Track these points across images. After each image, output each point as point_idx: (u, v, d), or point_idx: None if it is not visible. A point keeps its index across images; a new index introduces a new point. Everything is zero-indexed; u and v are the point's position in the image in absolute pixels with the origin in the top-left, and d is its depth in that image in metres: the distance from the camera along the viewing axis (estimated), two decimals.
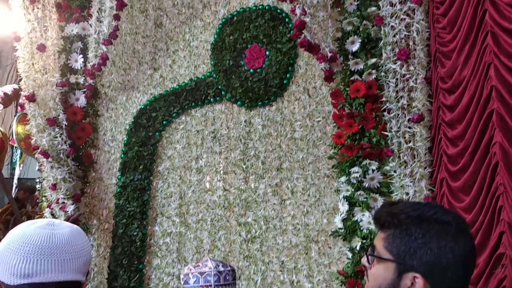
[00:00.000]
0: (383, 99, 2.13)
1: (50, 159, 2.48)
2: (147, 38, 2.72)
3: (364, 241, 2.02)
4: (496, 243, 1.64)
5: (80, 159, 2.60)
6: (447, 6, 1.96)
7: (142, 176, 2.58)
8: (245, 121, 2.50)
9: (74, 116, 2.62)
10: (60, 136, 2.49)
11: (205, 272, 1.34)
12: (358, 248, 2.03)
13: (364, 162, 2.10)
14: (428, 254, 0.86)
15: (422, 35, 2.04)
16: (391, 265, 0.89)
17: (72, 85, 2.65)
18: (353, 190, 2.10)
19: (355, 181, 2.10)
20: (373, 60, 2.16)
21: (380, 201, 2.04)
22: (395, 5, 2.03)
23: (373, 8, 2.16)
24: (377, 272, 0.92)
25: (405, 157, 2.05)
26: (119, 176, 2.62)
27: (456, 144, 1.93)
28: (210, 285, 1.33)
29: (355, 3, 2.19)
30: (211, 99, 2.57)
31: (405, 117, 2.08)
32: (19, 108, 3.17)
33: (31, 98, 2.47)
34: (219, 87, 2.54)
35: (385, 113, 2.11)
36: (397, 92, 2.10)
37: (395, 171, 2.07)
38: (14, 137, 3.02)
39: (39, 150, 2.50)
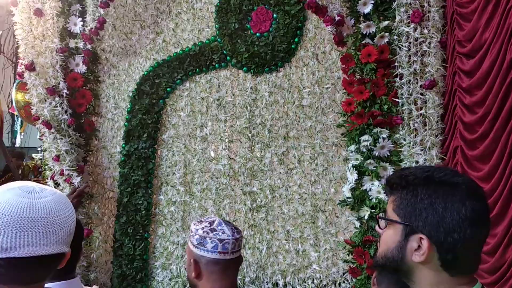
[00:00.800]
0: (395, 64, 2.10)
1: (52, 130, 2.50)
2: (148, 0, 2.68)
3: (372, 210, 2.05)
4: None
5: (81, 127, 2.62)
6: None
7: (146, 144, 2.60)
8: (251, 88, 2.49)
9: (74, 82, 2.62)
10: (60, 106, 2.50)
11: (224, 240, 1.37)
12: (366, 217, 2.07)
13: (374, 130, 2.10)
14: (433, 214, 0.86)
15: None
16: (399, 227, 0.90)
17: (72, 49, 2.63)
18: (362, 159, 2.11)
19: (364, 150, 2.11)
20: (386, 22, 2.12)
21: (390, 170, 2.06)
22: None
23: None
24: (387, 236, 0.93)
25: (416, 125, 2.04)
26: (123, 145, 2.64)
27: (474, 111, 1.91)
28: (227, 252, 1.37)
29: None
30: (216, 65, 2.55)
31: (417, 83, 2.06)
32: (17, 76, 3.17)
33: (30, 67, 2.47)
34: (224, 52, 2.52)
35: (397, 79, 2.09)
36: (409, 57, 2.08)
37: (404, 139, 2.07)
38: (14, 105, 3.03)
39: (40, 121, 2.52)
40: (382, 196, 2.04)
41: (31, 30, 2.50)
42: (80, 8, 2.64)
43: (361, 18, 2.18)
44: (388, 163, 2.09)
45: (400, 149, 2.09)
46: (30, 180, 3.48)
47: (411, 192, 0.89)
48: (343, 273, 2.27)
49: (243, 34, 2.47)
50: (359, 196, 2.11)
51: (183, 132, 2.61)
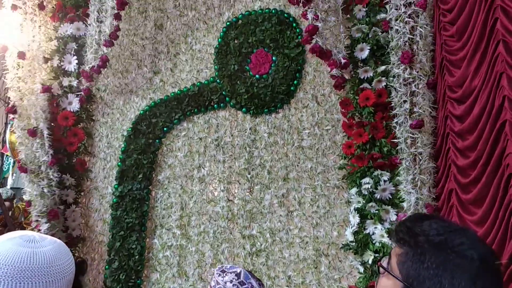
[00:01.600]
0: (392, 105, 2.20)
1: (27, 174, 2.50)
2: (146, 40, 2.76)
3: (376, 254, 2.09)
4: (511, 256, 1.71)
5: (72, 167, 2.61)
6: (456, 14, 2.03)
7: (141, 185, 2.60)
8: (250, 129, 2.56)
9: (65, 121, 2.64)
10: (41, 148, 2.50)
11: None
12: (370, 262, 2.10)
13: (375, 173, 2.18)
14: (436, 287, 0.82)
15: (426, 40, 2.13)
16: (399, 284, 0.89)
17: (65, 88, 2.66)
18: (364, 201, 2.17)
19: (366, 193, 2.17)
20: (383, 67, 2.24)
21: (392, 213, 2.12)
22: (400, 8, 2.12)
23: (382, 15, 2.24)
24: (386, 285, 0.93)
25: (407, 163, 2.12)
26: (116, 186, 2.64)
27: (466, 155, 2.00)
28: None
29: (364, 10, 2.28)
30: (215, 105, 2.62)
31: (407, 122, 2.16)
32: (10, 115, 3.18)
33: (11, 110, 2.55)
34: (223, 93, 2.60)
35: (395, 119, 2.19)
36: (401, 97, 2.18)
37: (402, 178, 2.14)
38: (7, 145, 3.03)
39: (18, 165, 2.53)
40: (386, 240, 2.09)
41: (16, 73, 2.57)
42: (75, 47, 2.70)
43: (359, 64, 2.30)
44: (390, 206, 2.15)
45: (397, 189, 2.15)
46: (20, 222, 3.40)
47: (418, 256, 0.85)
48: None
49: (243, 75, 2.57)
50: (362, 240, 2.15)
51: (180, 173, 2.63)
